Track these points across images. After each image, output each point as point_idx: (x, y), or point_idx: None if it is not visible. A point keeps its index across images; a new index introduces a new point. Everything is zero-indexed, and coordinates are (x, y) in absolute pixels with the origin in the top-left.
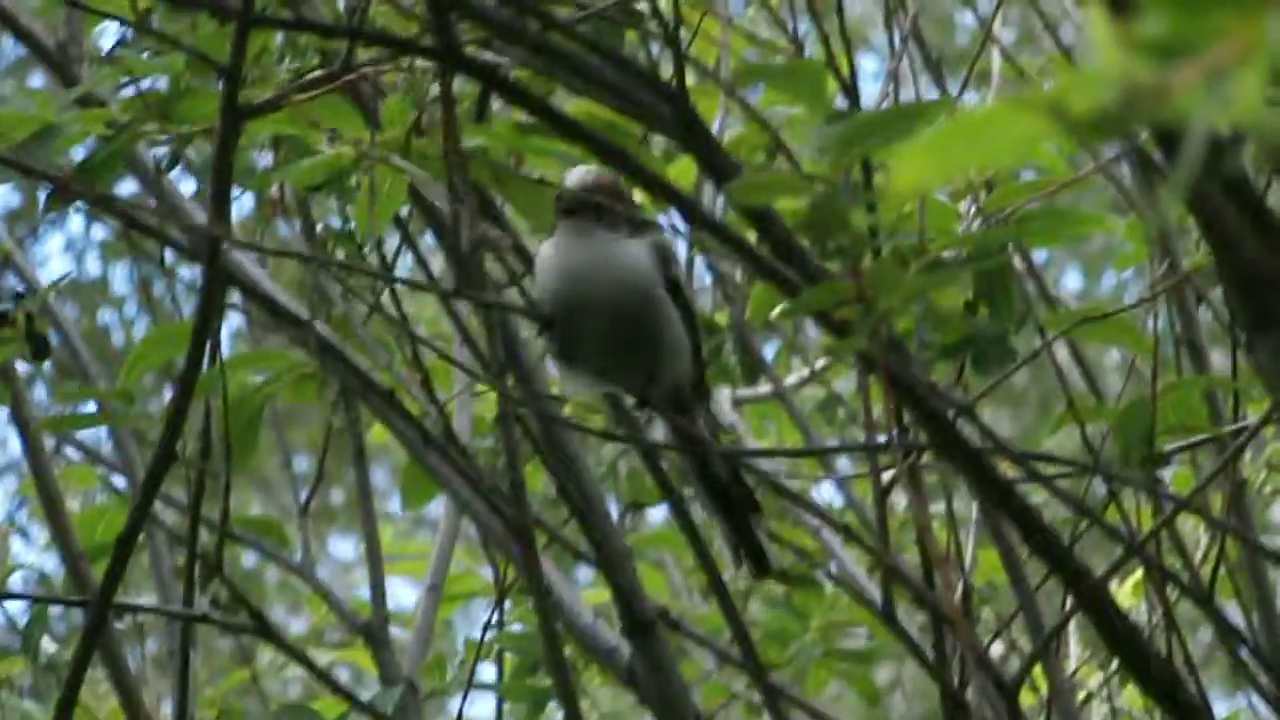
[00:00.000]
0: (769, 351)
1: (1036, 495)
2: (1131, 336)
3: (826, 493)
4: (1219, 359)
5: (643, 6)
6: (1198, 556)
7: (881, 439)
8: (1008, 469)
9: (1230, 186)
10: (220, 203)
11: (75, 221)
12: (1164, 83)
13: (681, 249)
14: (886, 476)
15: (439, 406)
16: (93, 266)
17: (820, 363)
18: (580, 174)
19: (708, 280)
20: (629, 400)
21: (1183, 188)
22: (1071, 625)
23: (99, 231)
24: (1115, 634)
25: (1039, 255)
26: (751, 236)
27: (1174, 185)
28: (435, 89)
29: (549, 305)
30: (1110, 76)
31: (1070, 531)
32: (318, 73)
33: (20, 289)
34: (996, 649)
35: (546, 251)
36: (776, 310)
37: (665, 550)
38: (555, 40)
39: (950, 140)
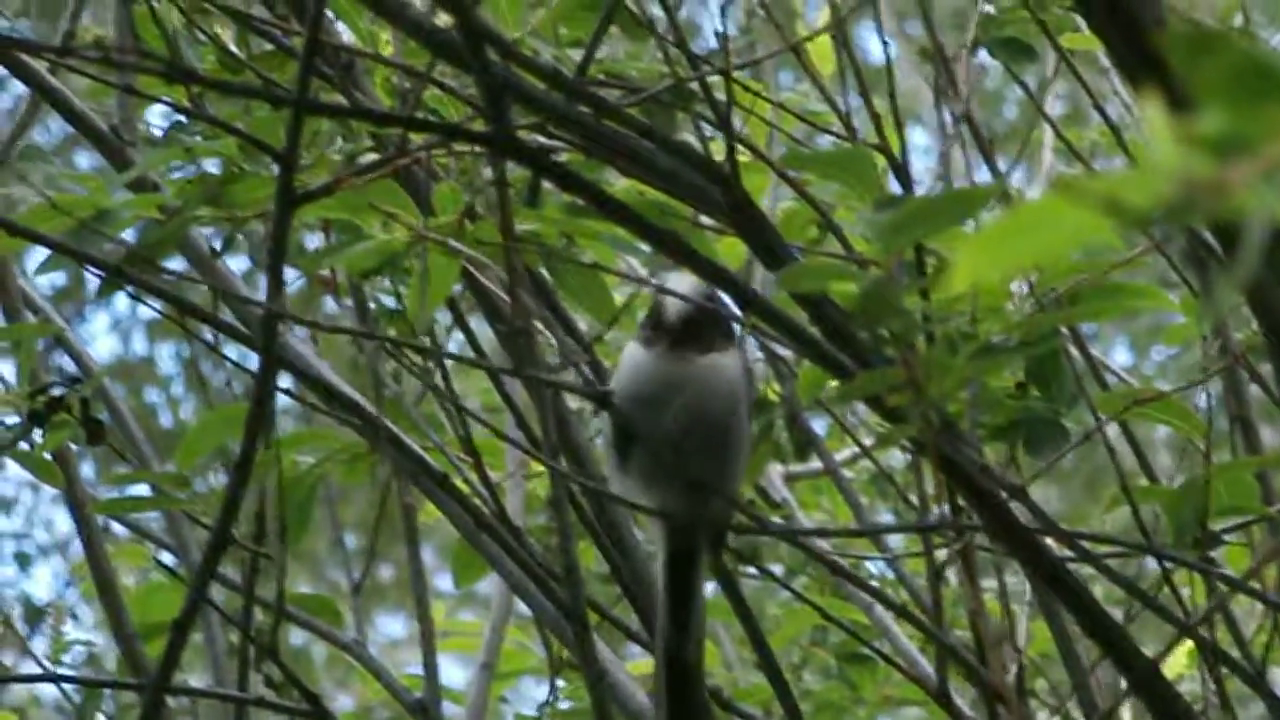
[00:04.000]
0: (820, 427)
1: (1089, 571)
2: (1183, 416)
3: (879, 565)
4: (1270, 436)
5: (693, 88)
6: (1250, 629)
7: (933, 517)
8: (1060, 548)
9: None
10: (275, 286)
11: (122, 300)
12: (1222, 178)
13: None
14: (940, 556)
15: (491, 489)
16: (139, 345)
17: (869, 441)
18: (678, 303)
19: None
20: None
21: (1241, 280)
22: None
23: (145, 311)
24: (1169, 715)
25: (1087, 328)
26: (803, 317)
27: (1233, 278)
28: (488, 173)
29: (622, 402)
30: (1168, 171)
31: (1124, 610)
32: (370, 156)
33: (74, 373)
34: None
35: (639, 358)
36: (828, 393)
37: (717, 620)
38: (607, 125)
39: (1007, 235)
